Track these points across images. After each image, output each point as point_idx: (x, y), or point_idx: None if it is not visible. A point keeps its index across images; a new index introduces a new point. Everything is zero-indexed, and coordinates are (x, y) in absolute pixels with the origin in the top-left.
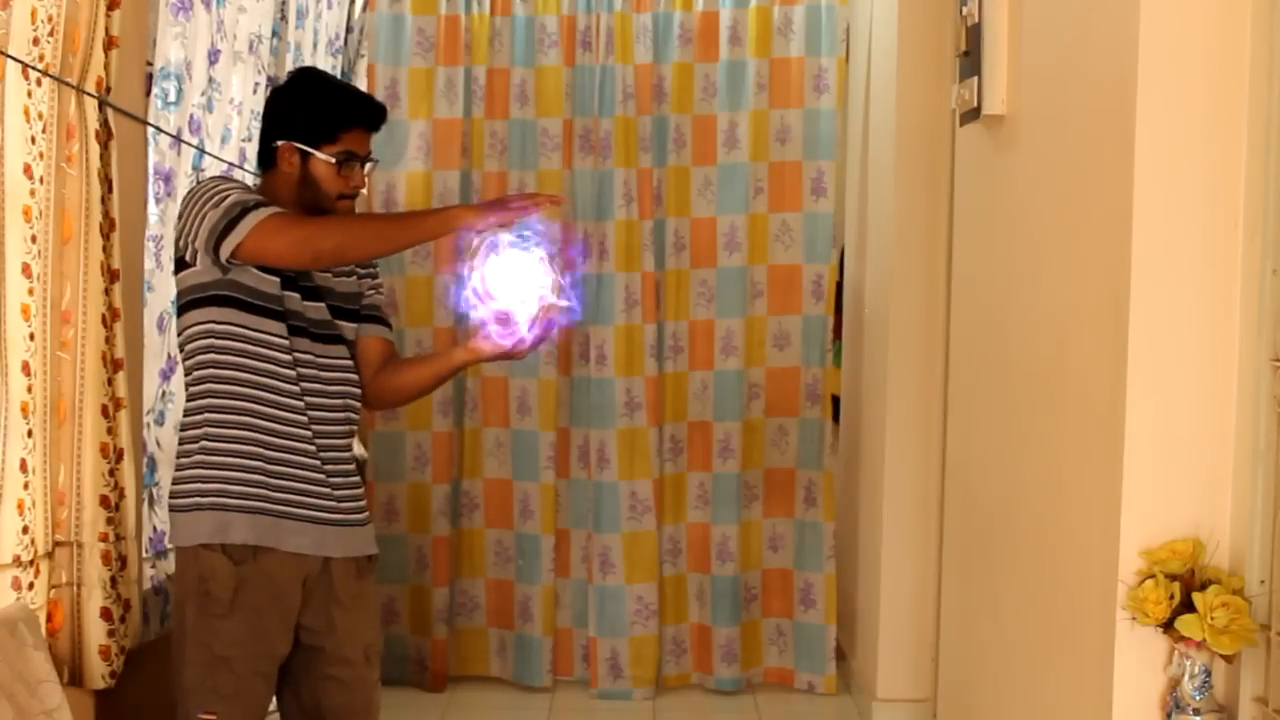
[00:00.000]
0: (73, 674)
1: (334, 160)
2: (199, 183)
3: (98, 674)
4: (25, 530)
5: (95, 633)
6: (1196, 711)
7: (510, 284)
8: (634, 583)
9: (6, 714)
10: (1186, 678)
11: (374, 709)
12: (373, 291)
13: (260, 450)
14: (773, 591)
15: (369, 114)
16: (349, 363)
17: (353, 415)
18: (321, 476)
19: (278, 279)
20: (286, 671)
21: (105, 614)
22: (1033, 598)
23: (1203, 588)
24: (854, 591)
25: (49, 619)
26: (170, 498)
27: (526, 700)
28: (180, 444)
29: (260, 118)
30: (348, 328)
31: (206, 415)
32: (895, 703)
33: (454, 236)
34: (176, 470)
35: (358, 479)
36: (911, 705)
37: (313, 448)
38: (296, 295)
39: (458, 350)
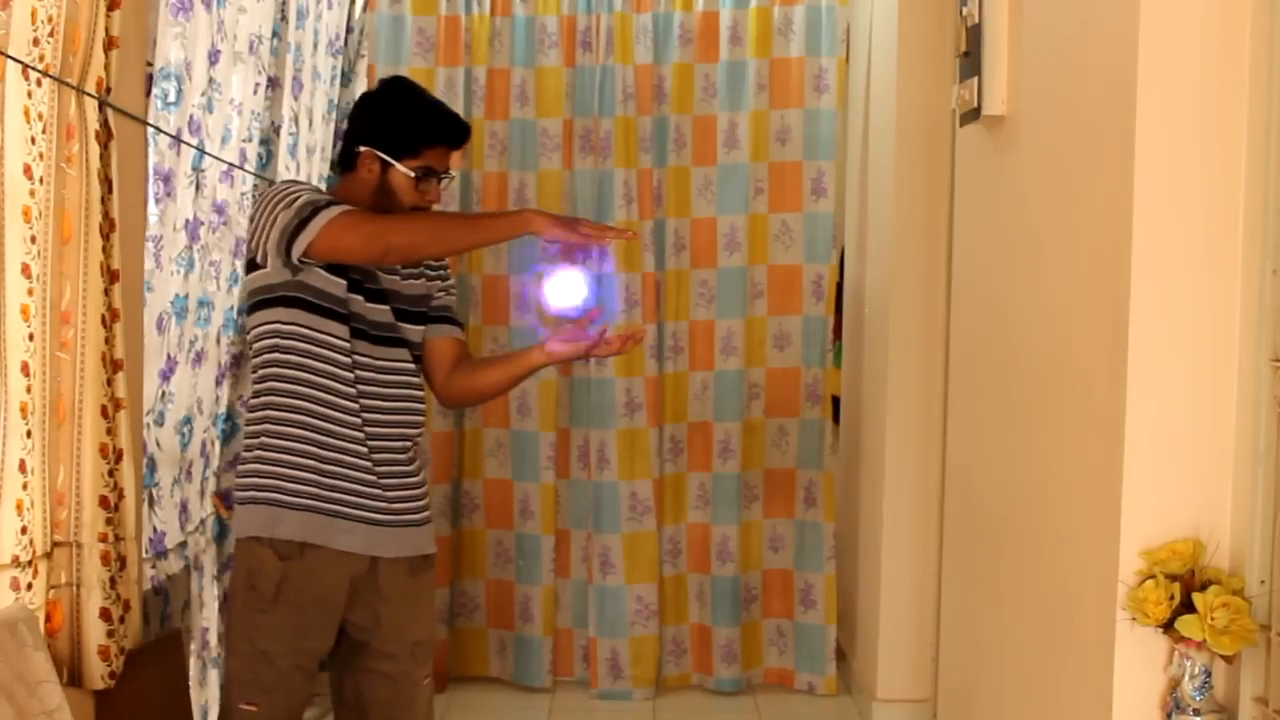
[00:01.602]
0: (72, 674)
1: (413, 174)
2: (271, 185)
3: (97, 674)
4: (24, 531)
5: (94, 633)
6: (1197, 712)
7: (561, 296)
8: (634, 583)
9: (6, 714)
10: (1186, 678)
11: (420, 705)
12: (442, 293)
13: (314, 449)
14: (773, 592)
15: (454, 133)
16: (410, 366)
17: (414, 418)
18: (373, 478)
19: (344, 281)
20: (333, 665)
21: (105, 614)
22: (1033, 598)
23: (1203, 588)
24: (854, 591)
25: (47, 619)
26: (234, 490)
27: (526, 700)
28: (245, 438)
29: (256, 117)
30: (413, 330)
31: (267, 413)
32: (895, 703)
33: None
34: (240, 464)
35: (418, 479)
36: (911, 705)
37: (365, 449)
38: (360, 298)
39: (534, 352)
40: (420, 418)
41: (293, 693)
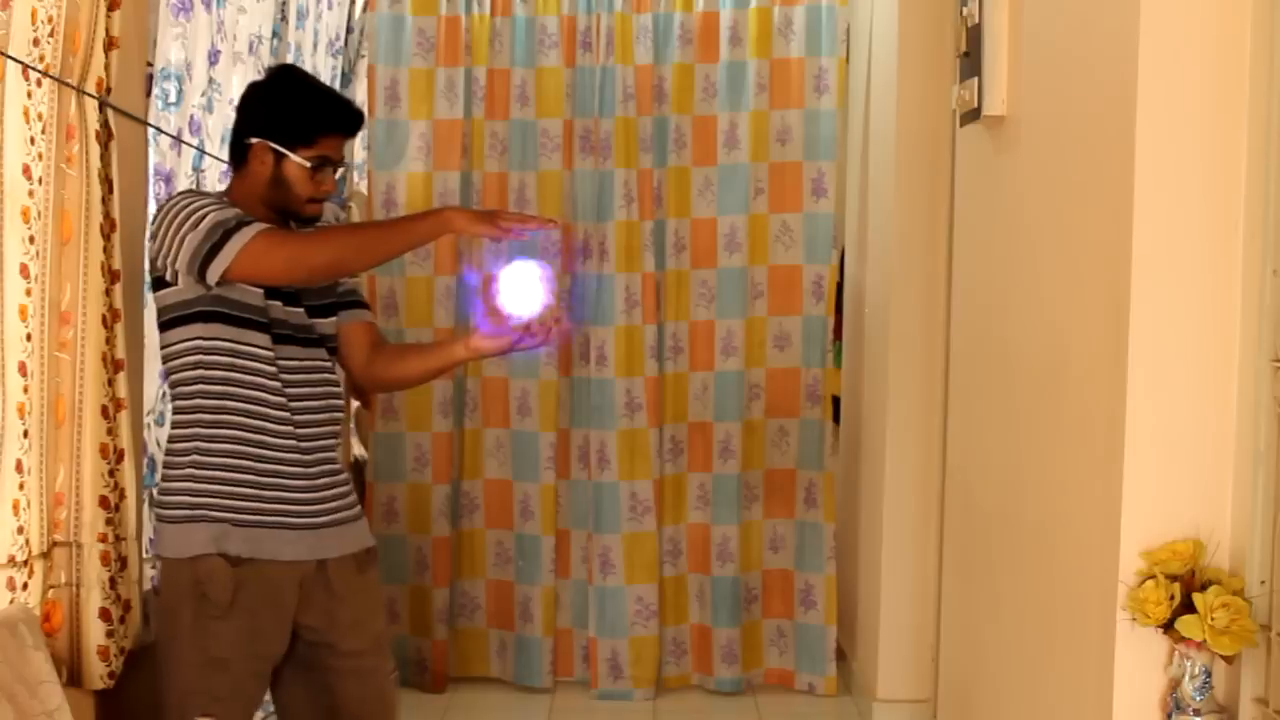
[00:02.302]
0: (71, 674)
1: (308, 164)
2: (169, 200)
3: (96, 674)
4: (20, 530)
5: (94, 633)
6: (1197, 712)
7: (511, 292)
8: (634, 583)
9: (7, 714)
10: (1187, 678)
11: (389, 700)
12: (345, 278)
13: (251, 464)
14: (773, 592)
15: (348, 120)
16: (329, 363)
17: (336, 415)
18: (308, 482)
19: (261, 290)
20: (289, 671)
21: (104, 614)
22: (1033, 598)
23: (1203, 588)
24: (854, 592)
25: (46, 619)
26: (158, 508)
27: (526, 701)
28: (168, 455)
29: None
30: (326, 324)
31: (196, 430)
32: (895, 703)
33: (451, 239)
34: (164, 481)
35: (345, 475)
36: (911, 705)
37: (299, 454)
38: (279, 303)
39: (458, 346)
40: (342, 412)
41: (248, 701)
